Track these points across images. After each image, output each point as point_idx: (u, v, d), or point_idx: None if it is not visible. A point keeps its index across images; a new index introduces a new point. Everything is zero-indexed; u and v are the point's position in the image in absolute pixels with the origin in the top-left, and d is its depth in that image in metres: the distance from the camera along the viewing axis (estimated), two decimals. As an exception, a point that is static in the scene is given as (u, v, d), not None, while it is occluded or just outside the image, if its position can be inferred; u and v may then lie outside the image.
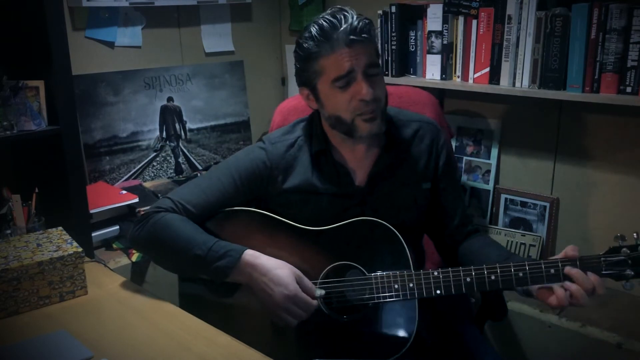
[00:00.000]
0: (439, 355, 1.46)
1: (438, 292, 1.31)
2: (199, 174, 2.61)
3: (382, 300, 1.34)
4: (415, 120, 1.52)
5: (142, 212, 1.47)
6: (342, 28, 1.33)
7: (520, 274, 1.28)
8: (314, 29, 1.35)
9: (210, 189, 1.44)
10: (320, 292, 1.34)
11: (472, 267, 1.31)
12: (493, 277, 1.29)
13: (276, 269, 1.32)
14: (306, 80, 1.41)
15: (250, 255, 1.34)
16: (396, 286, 1.33)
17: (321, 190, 1.45)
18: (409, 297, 1.33)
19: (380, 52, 1.44)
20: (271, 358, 1.22)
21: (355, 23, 1.33)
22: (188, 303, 1.50)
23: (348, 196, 1.45)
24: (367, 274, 1.36)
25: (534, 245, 2.24)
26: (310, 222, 1.42)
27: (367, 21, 1.36)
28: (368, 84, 1.34)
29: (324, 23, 1.34)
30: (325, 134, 1.47)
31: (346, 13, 1.35)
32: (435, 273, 1.32)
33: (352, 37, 1.32)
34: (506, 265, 1.29)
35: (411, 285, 1.32)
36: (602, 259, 1.27)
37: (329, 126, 1.44)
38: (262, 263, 1.33)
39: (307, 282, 1.34)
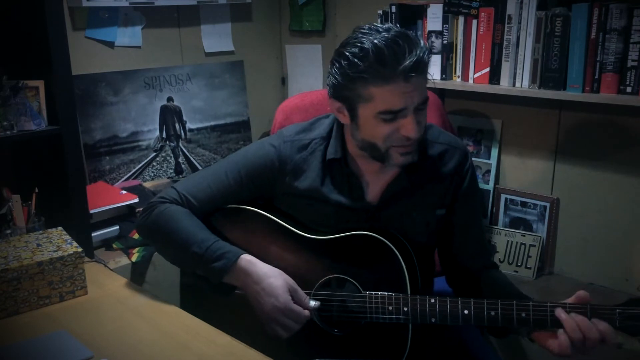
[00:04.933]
0: (439, 356, 1.45)
1: (433, 320, 1.27)
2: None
3: (374, 321, 1.31)
4: (443, 142, 1.42)
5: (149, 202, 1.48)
6: (406, 61, 1.18)
7: (523, 315, 1.21)
8: (370, 50, 1.19)
9: (216, 183, 1.43)
10: (314, 303, 1.32)
11: (471, 300, 1.25)
12: (493, 313, 1.23)
13: (269, 278, 1.30)
14: (345, 97, 1.28)
15: (246, 260, 1.32)
16: (390, 308, 1.29)
17: (329, 199, 1.39)
18: (402, 321, 1.29)
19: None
20: (271, 358, 1.22)
21: (421, 55, 1.19)
22: (189, 297, 1.50)
23: (357, 210, 1.39)
24: (362, 290, 1.33)
25: (534, 246, 2.24)
26: (314, 228, 1.40)
27: (428, 52, 1.23)
28: (417, 122, 1.24)
29: (385, 48, 1.19)
30: (343, 141, 1.39)
31: (410, 41, 1.20)
32: (432, 300, 1.26)
33: (412, 73, 1.19)
34: (508, 303, 1.22)
35: (405, 309, 1.28)
36: (618, 310, 1.16)
37: (356, 147, 1.35)
38: (256, 270, 1.31)
39: (301, 293, 1.31)
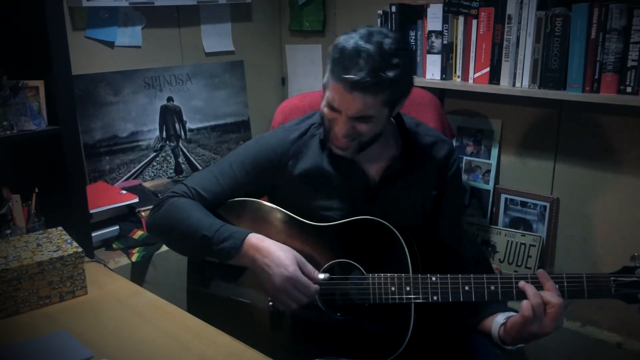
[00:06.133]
0: (439, 354, 1.46)
1: (435, 298, 1.31)
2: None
3: (377, 302, 1.34)
4: (433, 135, 1.51)
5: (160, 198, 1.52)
6: (349, 74, 1.25)
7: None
8: (337, 47, 1.29)
9: (223, 176, 1.47)
10: (323, 275, 1.35)
11: (471, 276, 1.29)
12: (492, 288, 1.28)
13: (278, 251, 1.34)
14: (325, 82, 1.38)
15: (255, 238, 1.37)
16: (393, 289, 1.33)
17: (330, 178, 1.44)
18: (405, 301, 1.32)
19: (396, 95, 1.32)
20: (271, 358, 1.22)
21: (366, 79, 1.23)
22: (195, 303, 1.51)
23: (357, 189, 1.45)
24: (365, 273, 1.36)
25: (534, 245, 2.24)
26: (319, 214, 1.43)
27: (389, 75, 1.24)
28: (350, 126, 1.32)
29: (344, 50, 1.27)
30: None
31: (367, 59, 1.24)
32: (434, 278, 1.31)
33: (354, 89, 1.26)
34: (507, 277, 1.27)
35: (408, 289, 1.32)
36: (612, 278, 1.21)
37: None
38: (265, 246, 1.35)
39: (309, 267, 1.35)
